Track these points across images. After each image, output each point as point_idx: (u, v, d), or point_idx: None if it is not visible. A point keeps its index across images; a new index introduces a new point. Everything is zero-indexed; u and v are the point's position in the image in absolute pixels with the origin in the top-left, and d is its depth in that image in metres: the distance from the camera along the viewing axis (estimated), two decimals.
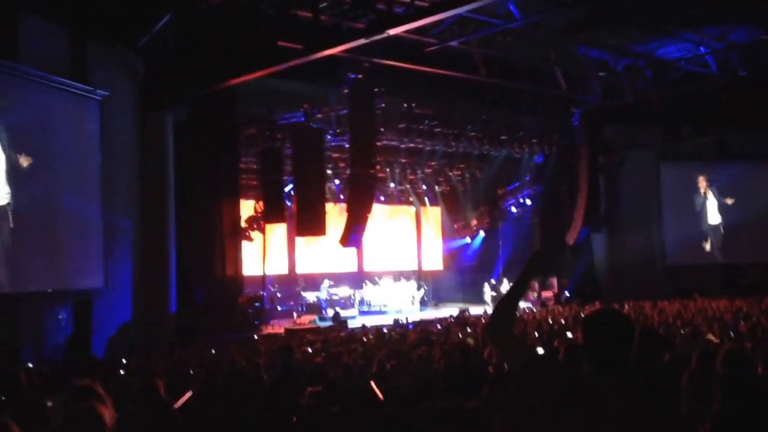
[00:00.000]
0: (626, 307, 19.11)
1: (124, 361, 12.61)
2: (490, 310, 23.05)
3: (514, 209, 30.01)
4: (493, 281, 28.56)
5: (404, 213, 31.27)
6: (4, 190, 14.82)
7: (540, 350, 8.95)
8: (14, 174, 15.00)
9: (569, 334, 11.83)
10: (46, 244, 15.76)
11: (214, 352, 13.79)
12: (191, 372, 9.98)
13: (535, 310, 22.94)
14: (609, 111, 25.76)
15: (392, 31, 15.44)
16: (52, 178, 16.14)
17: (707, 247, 30.00)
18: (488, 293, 27.66)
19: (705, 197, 30.06)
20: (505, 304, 3.23)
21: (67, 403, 3.26)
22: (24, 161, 15.23)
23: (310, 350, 12.34)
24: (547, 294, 27.57)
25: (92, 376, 9.09)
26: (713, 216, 29.97)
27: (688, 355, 6.32)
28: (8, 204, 14.84)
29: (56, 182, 16.28)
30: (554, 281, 28.07)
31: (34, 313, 15.68)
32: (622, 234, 29.36)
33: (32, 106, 15.53)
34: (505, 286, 26.50)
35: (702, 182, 29.94)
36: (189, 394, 7.23)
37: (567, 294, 27.43)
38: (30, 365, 12.24)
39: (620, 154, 29.11)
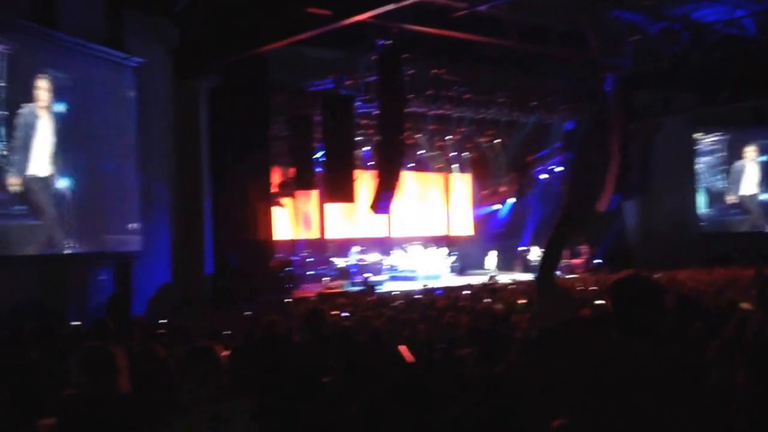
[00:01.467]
0: (658, 275, 19.02)
1: (163, 321, 12.96)
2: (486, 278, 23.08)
3: (543, 176, 29.90)
4: (521, 248, 28.62)
5: (433, 179, 31.29)
6: (49, 160, 15.22)
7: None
8: (58, 141, 15.41)
9: (598, 302, 11.87)
10: (87, 208, 16.24)
11: (248, 314, 14.04)
12: (228, 333, 10.26)
13: (564, 277, 22.98)
14: (643, 76, 25.32)
15: None
16: (92, 143, 16.56)
17: (744, 214, 29.76)
18: (491, 261, 27.69)
19: (743, 163, 29.76)
20: (545, 260, 3.31)
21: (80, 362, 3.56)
22: (66, 128, 15.61)
23: (343, 314, 12.53)
24: (576, 261, 27.57)
25: (131, 335, 9.42)
26: (752, 183, 29.69)
27: (721, 322, 6.34)
28: (52, 175, 15.28)
29: (96, 148, 16.71)
30: (584, 249, 28.03)
31: (79, 274, 16.39)
32: (654, 201, 29.19)
33: (71, 72, 15.81)
34: (535, 253, 26.58)
35: (748, 150, 29.64)
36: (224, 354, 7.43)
37: (597, 261, 27.39)
38: (77, 323, 12.76)
39: (654, 119, 28.78)
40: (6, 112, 13.94)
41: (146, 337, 9.63)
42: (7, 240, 14.22)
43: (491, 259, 27.82)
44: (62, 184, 15.54)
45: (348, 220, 27.31)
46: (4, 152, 14.11)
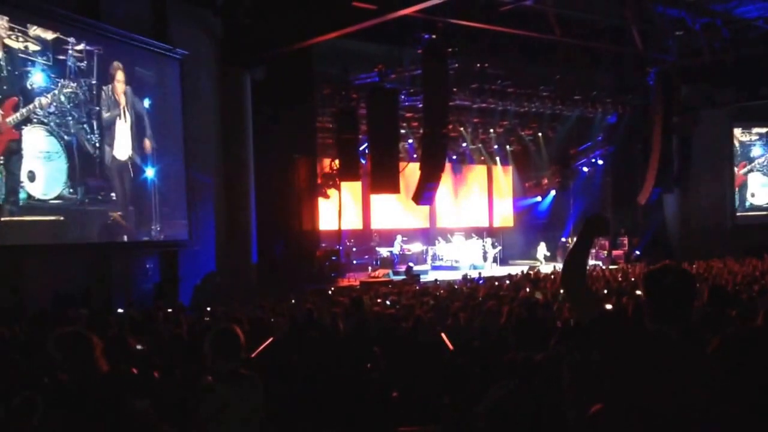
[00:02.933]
0: (695, 266, 19.07)
1: (208, 309, 13.37)
2: (542, 268, 23.27)
3: (585, 169, 29.93)
4: (563, 239, 28.73)
5: (476, 171, 31.50)
6: (129, 145, 16.05)
7: (609, 306, 9.25)
8: (134, 134, 16.20)
9: (638, 292, 11.97)
10: (135, 198, 16.59)
11: (293, 302, 14.39)
12: (272, 320, 10.60)
13: (604, 268, 23.06)
14: (684, 70, 25.30)
15: None
16: (140, 134, 16.86)
17: None
18: (541, 252, 27.59)
19: None
20: (571, 260, 3.33)
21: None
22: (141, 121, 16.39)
23: (388, 302, 12.83)
24: (617, 252, 27.66)
25: (180, 323, 9.83)
26: None
27: (755, 311, 6.49)
28: (129, 158, 16.06)
29: (143, 138, 17.01)
30: (625, 240, 28.12)
31: (126, 263, 16.70)
32: (694, 194, 29.11)
33: (116, 64, 16.05)
34: None
35: None
36: (269, 341, 7.81)
37: (637, 253, 27.44)
38: (120, 310, 13.21)
39: (694, 113, 28.68)
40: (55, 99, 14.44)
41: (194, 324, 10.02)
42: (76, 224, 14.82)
43: (541, 250, 27.85)
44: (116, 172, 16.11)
45: (392, 210, 27.62)
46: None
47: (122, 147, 16.08)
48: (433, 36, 19.46)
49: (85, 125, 15.03)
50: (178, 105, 17.98)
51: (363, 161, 23.99)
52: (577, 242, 3.42)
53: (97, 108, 15.37)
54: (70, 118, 14.68)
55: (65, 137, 14.60)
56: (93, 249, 15.57)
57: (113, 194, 15.85)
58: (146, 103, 17.10)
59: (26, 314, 11.67)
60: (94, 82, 15.21)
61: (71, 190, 14.80)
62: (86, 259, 15.60)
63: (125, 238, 16.37)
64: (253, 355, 7.59)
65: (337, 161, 24.02)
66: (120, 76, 15.94)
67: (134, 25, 16.63)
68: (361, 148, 23.85)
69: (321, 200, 23.92)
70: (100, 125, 15.41)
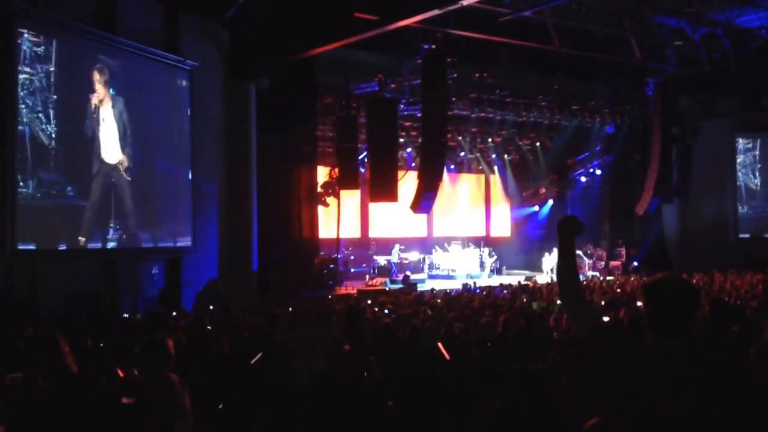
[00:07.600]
0: (695, 278, 19.06)
1: (209, 315, 13.45)
2: (548, 279, 23.29)
3: (583, 179, 29.96)
4: None
5: (474, 181, 31.57)
6: (117, 148, 16.23)
7: (606, 318, 9.30)
8: (121, 138, 16.41)
9: (639, 303, 11.95)
10: (143, 204, 17.06)
11: (291, 309, 14.42)
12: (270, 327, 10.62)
13: (602, 279, 23.11)
14: (685, 81, 25.24)
15: (465, 1, 15.70)
16: (148, 142, 17.38)
17: None
18: (547, 263, 27.45)
19: None
20: (560, 270, 3.42)
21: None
22: (127, 126, 16.53)
23: (386, 311, 12.87)
24: (615, 263, 27.64)
25: (178, 328, 9.93)
26: None
27: (758, 327, 6.46)
28: (119, 162, 16.30)
29: (152, 147, 17.53)
30: (623, 251, 28.09)
31: (133, 268, 17.13)
32: (694, 205, 29.09)
33: (131, 74, 16.69)
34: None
35: None
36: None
37: (635, 264, 27.44)
38: (126, 315, 13.44)
39: (695, 124, 28.67)
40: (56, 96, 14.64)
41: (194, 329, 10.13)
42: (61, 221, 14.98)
43: (546, 261, 27.75)
44: (122, 179, 16.42)
45: (390, 219, 27.67)
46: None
47: (122, 153, 16.37)
48: (433, 46, 19.53)
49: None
50: (186, 114, 18.56)
51: (362, 170, 24.06)
52: (559, 250, 3.55)
53: (94, 112, 15.66)
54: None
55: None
56: (103, 254, 16.01)
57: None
58: (155, 112, 17.61)
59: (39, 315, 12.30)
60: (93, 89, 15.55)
61: None
62: (96, 263, 16.04)
63: (133, 243, 16.81)
64: (252, 362, 7.68)
65: (336, 170, 24.08)
66: (123, 84, 16.35)
67: (147, 37, 17.25)
68: (360, 157, 23.91)
69: (321, 208, 23.99)
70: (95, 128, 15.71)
